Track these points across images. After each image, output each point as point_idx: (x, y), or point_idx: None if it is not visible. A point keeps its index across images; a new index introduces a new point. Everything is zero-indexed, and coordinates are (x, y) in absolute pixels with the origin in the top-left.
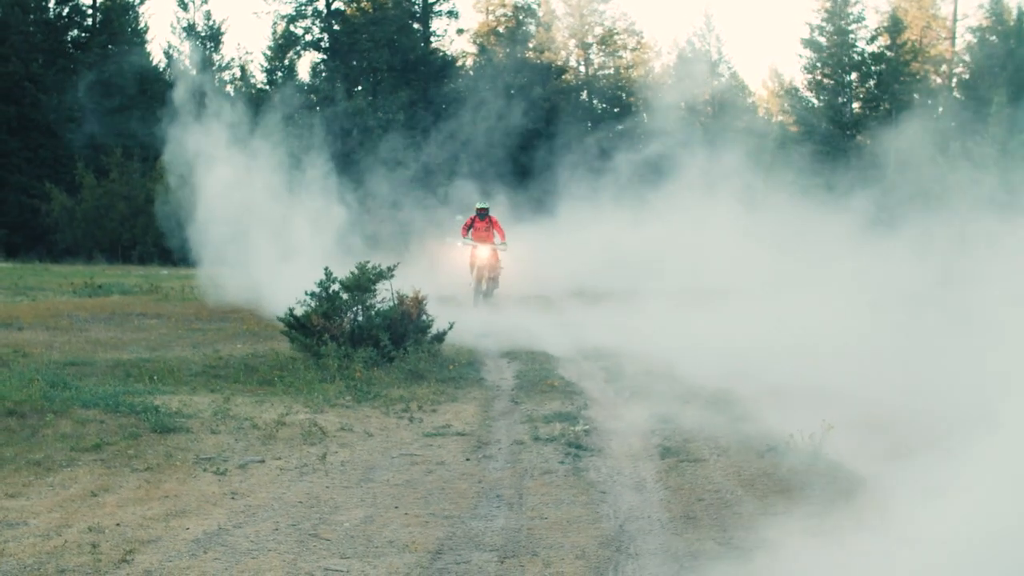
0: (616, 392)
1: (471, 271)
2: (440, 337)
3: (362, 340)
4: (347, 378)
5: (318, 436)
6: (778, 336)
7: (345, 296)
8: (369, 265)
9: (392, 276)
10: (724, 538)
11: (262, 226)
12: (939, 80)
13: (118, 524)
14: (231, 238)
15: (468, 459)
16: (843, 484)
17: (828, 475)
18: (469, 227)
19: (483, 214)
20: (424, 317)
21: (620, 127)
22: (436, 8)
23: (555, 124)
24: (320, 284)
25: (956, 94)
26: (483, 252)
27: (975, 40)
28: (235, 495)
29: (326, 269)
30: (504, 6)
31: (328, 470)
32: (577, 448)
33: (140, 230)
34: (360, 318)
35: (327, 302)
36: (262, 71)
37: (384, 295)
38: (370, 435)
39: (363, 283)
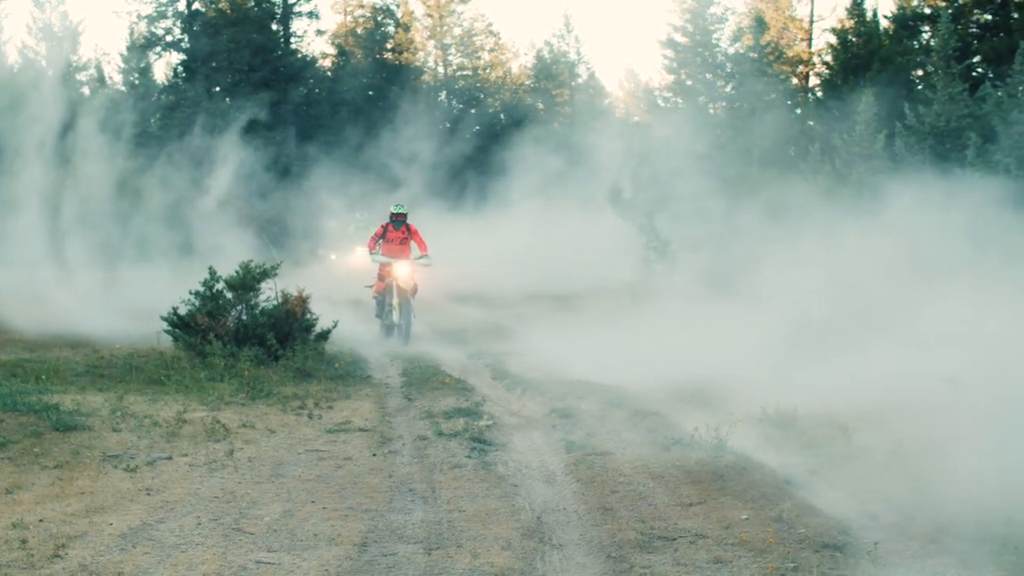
0: (507, 388)
1: (381, 295)
2: (325, 335)
3: (247, 339)
4: (235, 376)
5: (221, 433)
6: (662, 334)
7: (230, 295)
8: (253, 264)
9: (276, 275)
10: (645, 528)
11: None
12: (797, 81)
13: (41, 520)
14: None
15: (375, 454)
16: (754, 475)
17: (736, 467)
18: (379, 237)
19: (399, 221)
20: (308, 316)
21: (477, 128)
22: (296, 9)
23: (413, 124)
24: (204, 283)
25: (819, 94)
26: (401, 270)
27: (837, 41)
28: (150, 491)
29: (210, 268)
30: (362, 7)
31: (237, 466)
32: (482, 443)
33: None
34: (245, 317)
35: (211, 301)
36: (119, 72)
37: (268, 294)
38: (273, 432)
39: (248, 282)
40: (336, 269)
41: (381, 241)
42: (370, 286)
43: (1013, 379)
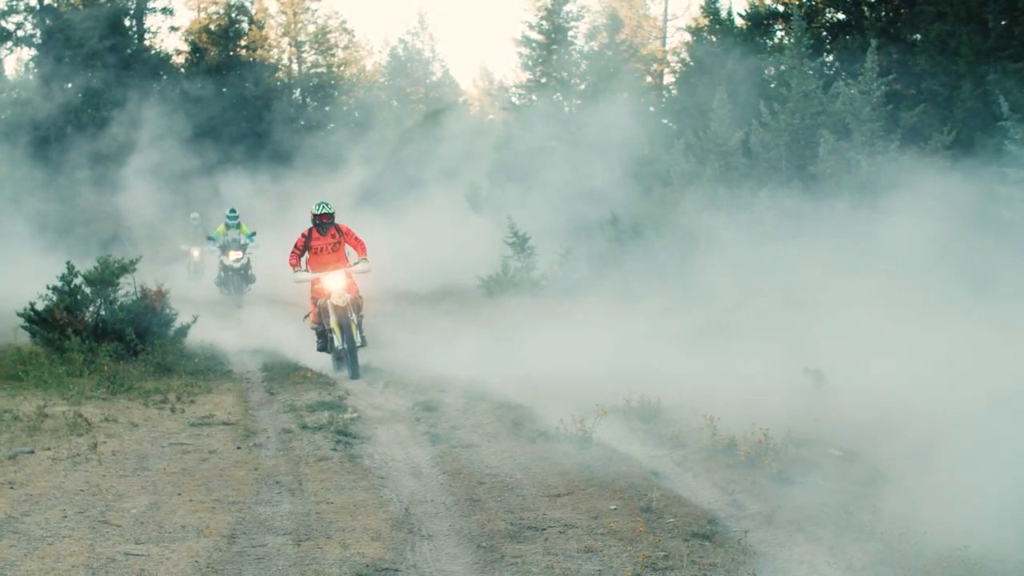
0: (369, 383)
1: (320, 325)
2: (184, 331)
3: (106, 334)
4: (95, 372)
5: (84, 427)
6: (522, 329)
7: (88, 290)
8: (111, 259)
9: (135, 270)
10: (514, 519)
11: None
12: (651, 79)
13: None
14: None
15: (239, 448)
16: (620, 466)
17: (602, 458)
18: (302, 250)
19: (325, 224)
20: (167, 311)
21: (331, 126)
22: (150, 5)
23: (268, 122)
24: (62, 278)
25: (675, 92)
26: (334, 282)
27: (693, 40)
28: (12, 484)
29: (68, 263)
30: (216, 4)
31: (101, 459)
32: (347, 436)
33: None
34: (104, 312)
35: (69, 296)
36: None
37: (127, 289)
38: (136, 425)
39: (106, 277)
40: (192, 265)
41: (307, 255)
42: (307, 317)
43: (873, 370)
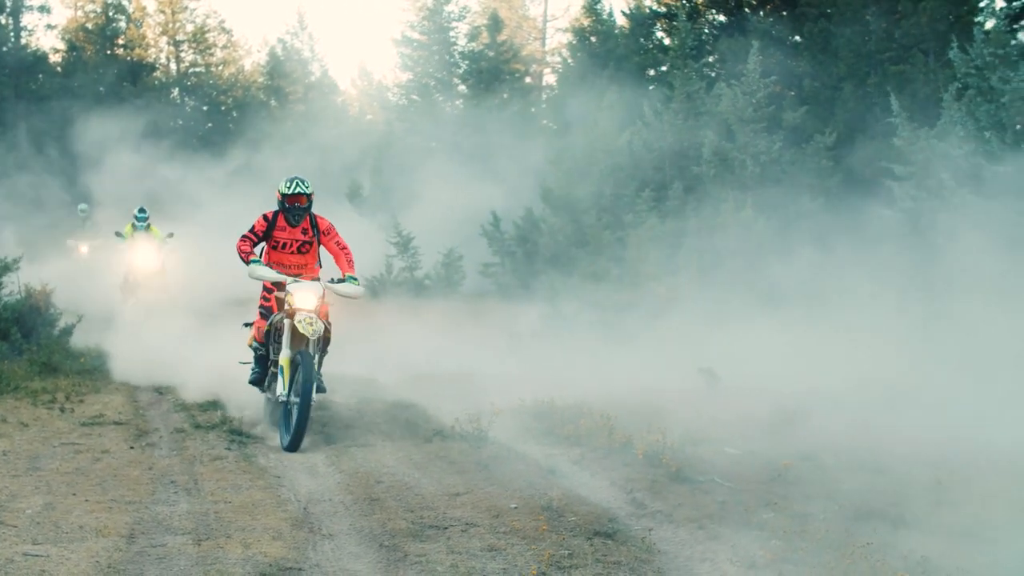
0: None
1: (263, 345)
2: (69, 331)
3: None
4: None
5: None
6: (409, 329)
7: None
8: None
9: (18, 268)
10: (415, 518)
11: None
12: (530, 80)
13: None
14: None
15: (132, 447)
16: (517, 465)
17: (499, 456)
18: (260, 237)
19: (299, 211)
20: (52, 311)
21: (209, 125)
22: (27, 3)
23: (148, 122)
24: None
25: (555, 93)
26: (305, 298)
27: (575, 40)
28: None
29: None
30: (94, 2)
31: None
32: (240, 435)
33: None
34: None
35: None
36: None
37: (11, 288)
38: (25, 425)
39: None
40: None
41: (266, 244)
42: (248, 324)
43: (762, 369)
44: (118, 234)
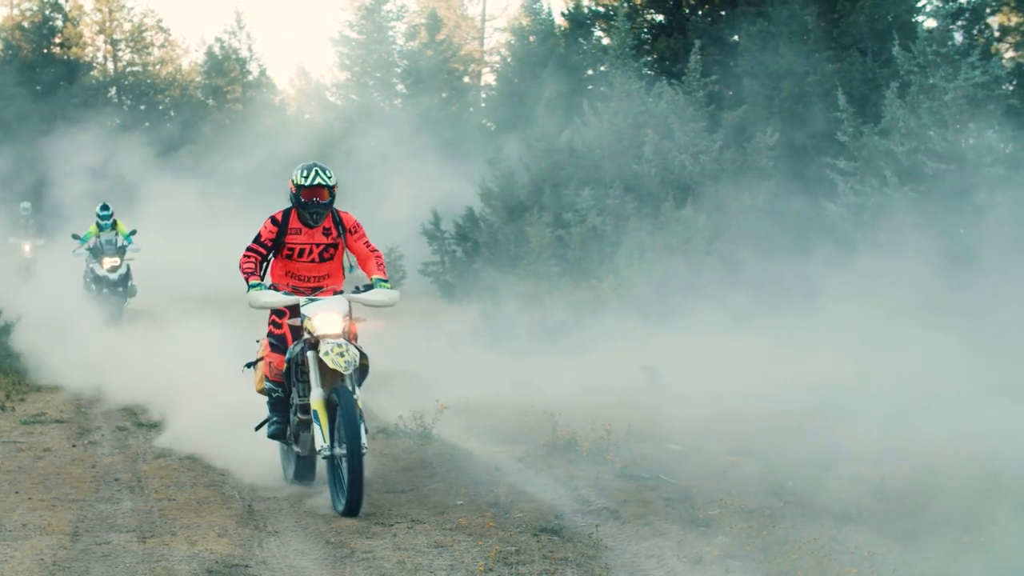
0: None
1: (278, 386)
2: (7, 329)
3: None
4: None
5: None
6: None
7: None
8: None
9: None
10: (360, 514)
11: None
12: (469, 79)
13: None
14: None
15: (74, 445)
16: (462, 462)
17: (444, 454)
18: (269, 250)
19: (320, 207)
20: None
21: (147, 124)
22: None
23: (84, 122)
24: None
25: (494, 92)
26: (329, 320)
27: (515, 40)
28: None
29: None
30: (30, 0)
31: None
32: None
33: None
34: None
35: None
36: None
37: None
38: None
39: None
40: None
41: (273, 259)
42: (252, 365)
43: (704, 368)
44: (76, 237)
